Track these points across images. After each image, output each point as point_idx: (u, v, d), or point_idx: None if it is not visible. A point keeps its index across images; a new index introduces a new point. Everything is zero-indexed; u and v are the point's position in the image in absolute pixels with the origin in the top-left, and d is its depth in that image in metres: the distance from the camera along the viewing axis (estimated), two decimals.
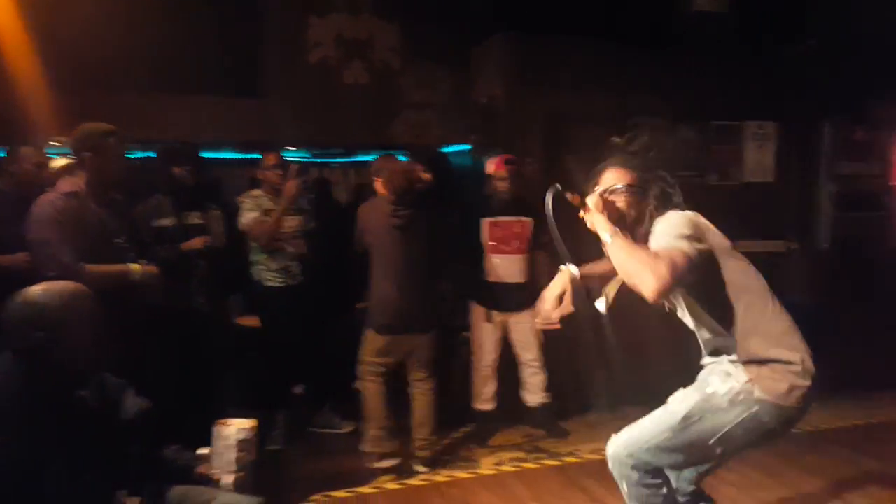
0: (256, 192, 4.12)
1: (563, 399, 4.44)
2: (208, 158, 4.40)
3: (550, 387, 4.33)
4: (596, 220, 2.08)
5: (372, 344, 3.76)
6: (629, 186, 2.19)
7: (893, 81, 4.64)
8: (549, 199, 2.13)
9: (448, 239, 3.92)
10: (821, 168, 5.37)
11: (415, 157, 3.96)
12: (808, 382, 1.99)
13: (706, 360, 2.23)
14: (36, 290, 1.92)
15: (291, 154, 4.21)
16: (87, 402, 2.02)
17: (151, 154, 4.28)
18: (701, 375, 2.22)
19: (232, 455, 2.13)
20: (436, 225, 3.75)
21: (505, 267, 4.18)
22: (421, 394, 3.87)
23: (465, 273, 4.25)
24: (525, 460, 4.08)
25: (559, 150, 4.54)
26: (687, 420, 2.08)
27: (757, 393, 2.00)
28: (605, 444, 2.29)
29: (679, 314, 2.28)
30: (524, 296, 4.08)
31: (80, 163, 2.97)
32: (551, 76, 4.55)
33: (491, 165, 4.16)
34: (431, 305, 3.89)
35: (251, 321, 4.40)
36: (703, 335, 2.22)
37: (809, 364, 2.02)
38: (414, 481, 3.79)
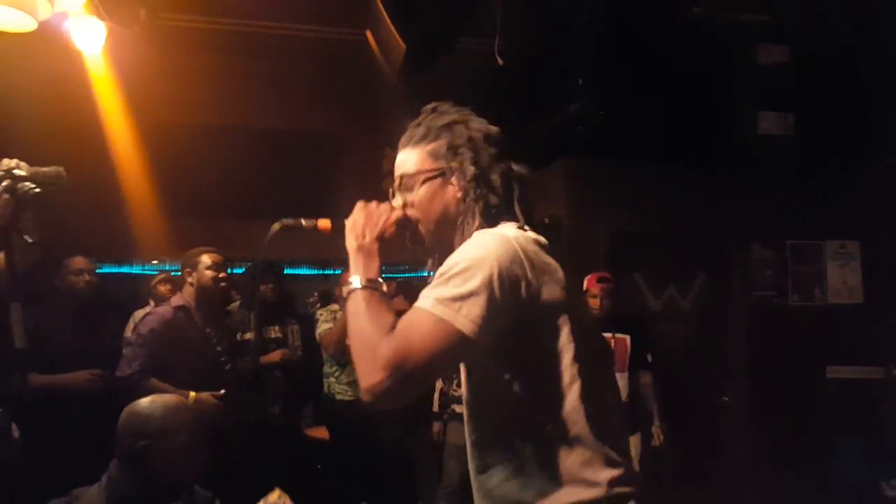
0: (335, 306, 4.28)
1: None
2: (287, 274, 4.69)
3: None
4: (350, 244, 1.35)
5: None
6: (429, 171, 1.36)
7: None
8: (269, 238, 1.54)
9: None
10: None
11: None
12: None
13: None
14: (144, 401, 2.03)
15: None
16: None
17: (239, 271, 4.60)
18: None
19: None
20: None
21: None
22: None
23: None
24: None
25: (624, 268, 4.63)
26: None
27: None
28: None
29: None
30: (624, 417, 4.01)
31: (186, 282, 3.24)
32: (612, 197, 4.71)
33: (584, 282, 4.04)
34: None
35: (320, 433, 4.50)
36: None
37: None
38: None
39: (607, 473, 1.24)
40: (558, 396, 1.24)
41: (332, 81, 4.29)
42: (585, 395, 1.24)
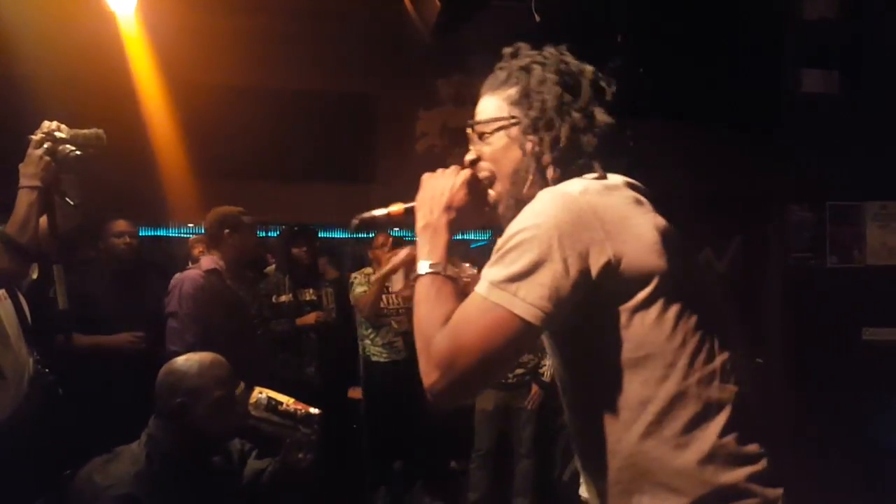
0: (368, 269, 4.29)
1: None
2: (322, 238, 4.71)
3: None
4: (417, 224, 1.21)
5: None
6: (508, 119, 1.19)
7: None
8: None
9: None
10: None
11: None
12: None
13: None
14: (180, 359, 2.07)
15: (400, 234, 4.49)
16: (216, 467, 2.18)
17: (273, 234, 4.64)
18: None
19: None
20: None
21: None
22: None
23: None
24: None
25: None
26: None
27: None
28: None
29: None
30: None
31: (218, 242, 3.24)
32: (648, 158, 4.59)
33: None
34: None
35: (356, 394, 4.53)
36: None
37: None
38: None
39: (740, 472, 1.07)
40: (666, 380, 1.05)
41: (366, 41, 4.23)
42: (697, 378, 1.05)
